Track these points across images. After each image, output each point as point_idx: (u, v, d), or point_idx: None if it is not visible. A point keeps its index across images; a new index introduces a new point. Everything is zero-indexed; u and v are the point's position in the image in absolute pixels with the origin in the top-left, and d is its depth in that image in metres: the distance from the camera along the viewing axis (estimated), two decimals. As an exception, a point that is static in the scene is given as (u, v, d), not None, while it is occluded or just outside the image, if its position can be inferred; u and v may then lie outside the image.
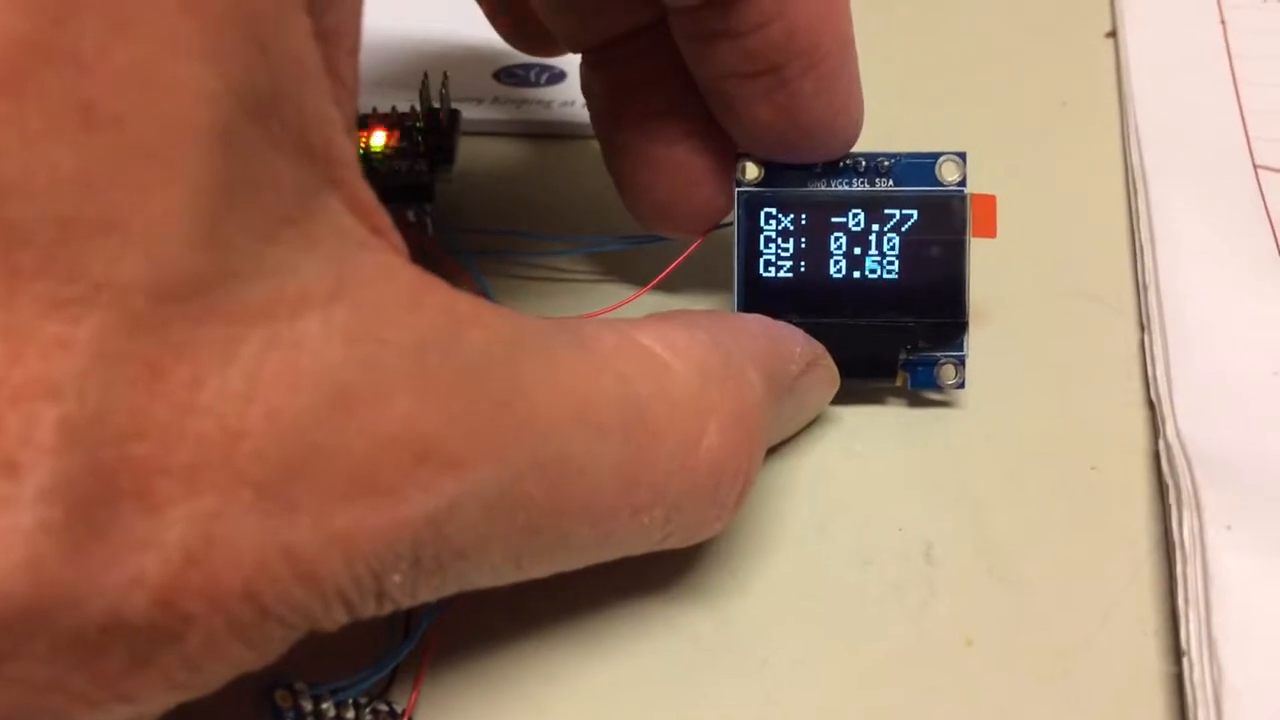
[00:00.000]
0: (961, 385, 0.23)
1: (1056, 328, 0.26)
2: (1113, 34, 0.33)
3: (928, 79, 0.32)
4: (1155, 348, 0.24)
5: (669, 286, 0.25)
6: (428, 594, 0.15)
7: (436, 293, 0.15)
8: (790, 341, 0.21)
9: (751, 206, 0.23)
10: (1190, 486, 0.21)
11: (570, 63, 0.25)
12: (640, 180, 0.24)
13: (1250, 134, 0.29)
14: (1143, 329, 0.25)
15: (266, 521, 0.13)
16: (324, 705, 0.17)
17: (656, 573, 0.21)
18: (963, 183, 0.23)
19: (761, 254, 0.23)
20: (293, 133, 0.13)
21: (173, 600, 0.12)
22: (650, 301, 0.25)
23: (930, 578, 0.21)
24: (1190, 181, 0.28)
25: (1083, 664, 0.20)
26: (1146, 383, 0.24)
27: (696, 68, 0.22)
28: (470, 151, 0.27)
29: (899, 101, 0.31)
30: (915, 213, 0.23)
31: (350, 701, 0.18)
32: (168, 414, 0.12)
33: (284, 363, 0.13)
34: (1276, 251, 0.26)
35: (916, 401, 0.24)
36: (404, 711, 0.19)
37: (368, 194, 0.15)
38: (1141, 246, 0.27)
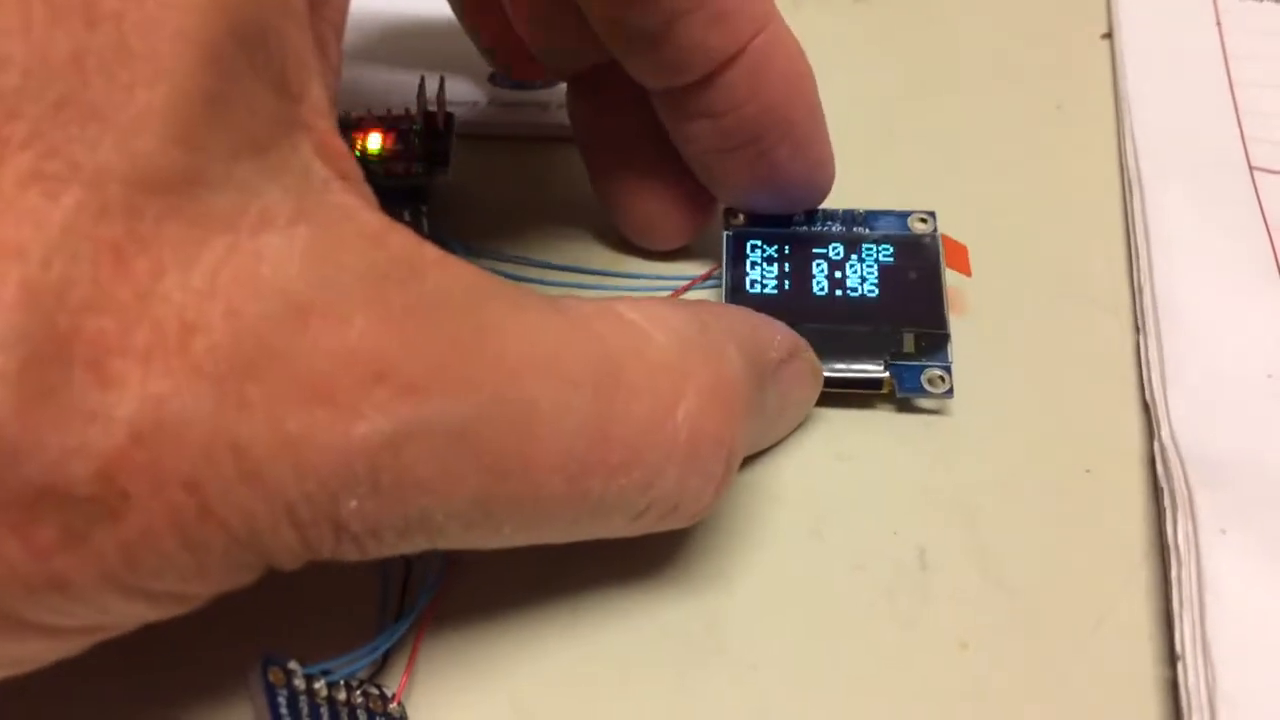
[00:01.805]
0: (949, 393, 0.23)
1: (1051, 330, 0.26)
2: (1108, 35, 0.33)
3: (924, 80, 0.32)
4: (1150, 350, 0.24)
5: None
6: (393, 538, 0.15)
7: (400, 236, 0.15)
8: (770, 329, 0.22)
9: (738, 240, 0.25)
10: (1185, 490, 0.21)
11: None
12: (623, 198, 0.26)
13: (1246, 136, 0.29)
14: (1138, 331, 0.25)
15: (218, 412, 0.13)
16: (316, 685, 0.18)
17: (649, 573, 0.21)
18: (933, 235, 0.25)
19: (747, 274, 0.25)
20: (273, 67, 0.14)
21: (113, 475, 0.12)
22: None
23: (924, 581, 0.21)
24: (1186, 183, 0.28)
25: (1077, 668, 0.20)
26: (1141, 385, 0.24)
27: (679, 143, 0.24)
28: (465, 153, 0.27)
29: (895, 104, 0.31)
30: (892, 248, 0.25)
31: (342, 682, 0.18)
32: (128, 297, 0.12)
33: (244, 269, 0.13)
34: (1272, 253, 0.26)
35: (908, 405, 0.24)
36: (394, 694, 0.19)
37: (338, 142, 0.15)
38: (1137, 249, 0.27)
